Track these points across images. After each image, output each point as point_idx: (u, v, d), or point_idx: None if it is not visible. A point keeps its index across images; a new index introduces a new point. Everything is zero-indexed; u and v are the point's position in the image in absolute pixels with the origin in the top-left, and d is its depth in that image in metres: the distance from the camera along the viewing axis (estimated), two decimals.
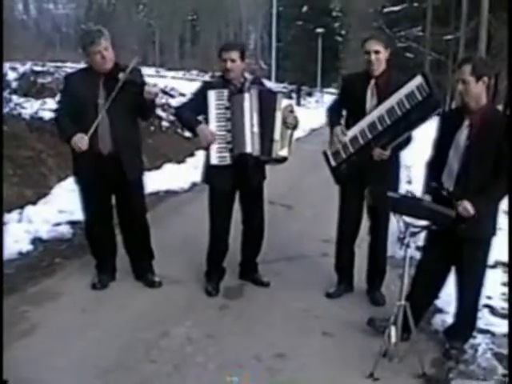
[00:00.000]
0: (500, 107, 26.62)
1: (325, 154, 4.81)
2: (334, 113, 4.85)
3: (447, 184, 3.88)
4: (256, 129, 4.55)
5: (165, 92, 14.72)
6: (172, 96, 15.49)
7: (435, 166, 4.04)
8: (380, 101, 4.50)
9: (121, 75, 4.45)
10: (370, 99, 4.58)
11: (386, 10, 43.67)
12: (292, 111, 4.73)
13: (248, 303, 4.86)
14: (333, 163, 4.74)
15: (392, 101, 4.37)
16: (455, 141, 3.87)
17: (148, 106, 4.60)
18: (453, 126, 3.91)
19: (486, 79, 3.75)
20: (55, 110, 4.78)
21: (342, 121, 4.78)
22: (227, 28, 78.98)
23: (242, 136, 4.55)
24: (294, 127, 4.71)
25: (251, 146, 4.54)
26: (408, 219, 3.70)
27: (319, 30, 48.74)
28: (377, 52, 4.50)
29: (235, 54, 4.67)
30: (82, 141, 4.40)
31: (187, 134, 11.68)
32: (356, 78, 4.84)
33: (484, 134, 3.75)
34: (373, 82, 4.56)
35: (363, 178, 4.59)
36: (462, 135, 3.84)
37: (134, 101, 4.52)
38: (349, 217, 4.88)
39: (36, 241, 6.02)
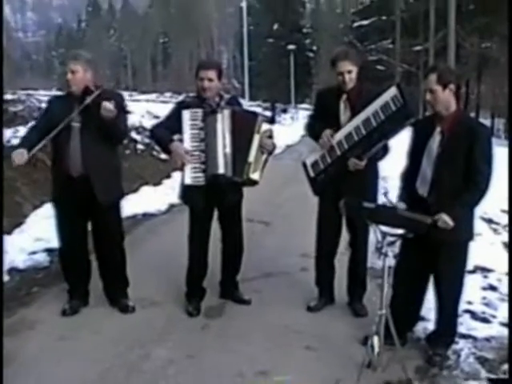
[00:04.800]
0: (472, 115, 26.99)
1: (304, 164, 4.83)
2: (314, 126, 4.87)
3: (421, 190, 3.93)
4: (228, 149, 4.55)
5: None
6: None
7: (410, 175, 4.08)
8: (353, 113, 4.55)
9: (88, 98, 4.45)
10: (344, 112, 4.62)
11: (355, 24, 44.31)
12: (271, 136, 4.73)
13: (229, 322, 4.82)
14: (311, 174, 4.76)
15: (368, 112, 4.41)
16: (427, 148, 3.92)
17: (109, 125, 4.49)
18: (425, 134, 3.97)
19: (453, 86, 3.81)
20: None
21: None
22: (199, 48, 79.22)
23: (215, 157, 4.54)
24: (270, 153, 4.72)
25: (224, 167, 4.54)
26: (384, 228, 3.71)
27: (291, 47, 49.16)
28: (350, 72, 4.55)
29: (212, 73, 4.67)
30: (18, 155, 4.34)
31: (163, 155, 11.70)
32: (328, 93, 4.89)
33: (455, 140, 3.80)
34: (345, 96, 4.61)
35: (340, 189, 4.59)
36: (434, 142, 3.89)
37: (102, 123, 4.48)
38: (327, 229, 4.89)
39: (12, 271, 5.92)
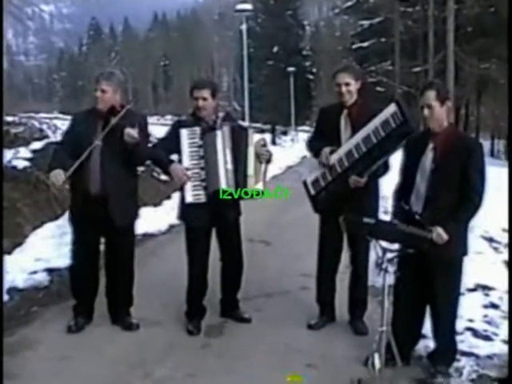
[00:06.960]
0: (472, 136, 27.01)
1: (304, 183, 4.84)
2: (315, 143, 4.88)
3: (416, 207, 3.93)
4: (230, 165, 4.55)
5: None
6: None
7: (403, 193, 4.08)
8: (354, 129, 4.56)
9: (113, 120, 4.50)
10: (344, 128, 4.63)
11: (354, 46, 44.51)
12: (265, 145, 4.74)
13: (230, 341, 4.79)
14: (312, 192, 4.75)
15: (368, 129, 4.41)
16: (421, 165, 3.94)
17: (130, 150, 4.54)
18: (418, 151, 3.99)
19: (450, 103, 3.85)
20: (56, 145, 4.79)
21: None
22: (199, 71, 79.64)
23: (216, 173, 4.54)
24: (268, 161, 4.72)
25: (226, 182, 4.54)
26: (385, 244, 3.70)
27: (291, 69, 49.28)
28: (347, 84, 4.58)
29: (206, 92, 4.70)
30: (57, 176, 4.43)
31: (163, 177, 11.71)
32: (330, 109, 4.92)
33: (448, 156, 3.83)
34: (345, 111, 4.63)
35: (341, 206, 4.58)
36: (427, 159, 3.91)
37: (123, 145, 4.53)
38: (329, 247, 4.87)
39: (12, 290, 5.89)
